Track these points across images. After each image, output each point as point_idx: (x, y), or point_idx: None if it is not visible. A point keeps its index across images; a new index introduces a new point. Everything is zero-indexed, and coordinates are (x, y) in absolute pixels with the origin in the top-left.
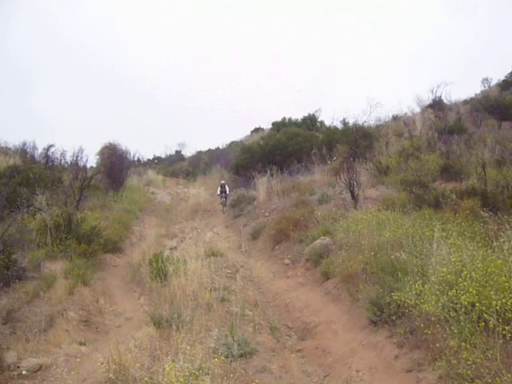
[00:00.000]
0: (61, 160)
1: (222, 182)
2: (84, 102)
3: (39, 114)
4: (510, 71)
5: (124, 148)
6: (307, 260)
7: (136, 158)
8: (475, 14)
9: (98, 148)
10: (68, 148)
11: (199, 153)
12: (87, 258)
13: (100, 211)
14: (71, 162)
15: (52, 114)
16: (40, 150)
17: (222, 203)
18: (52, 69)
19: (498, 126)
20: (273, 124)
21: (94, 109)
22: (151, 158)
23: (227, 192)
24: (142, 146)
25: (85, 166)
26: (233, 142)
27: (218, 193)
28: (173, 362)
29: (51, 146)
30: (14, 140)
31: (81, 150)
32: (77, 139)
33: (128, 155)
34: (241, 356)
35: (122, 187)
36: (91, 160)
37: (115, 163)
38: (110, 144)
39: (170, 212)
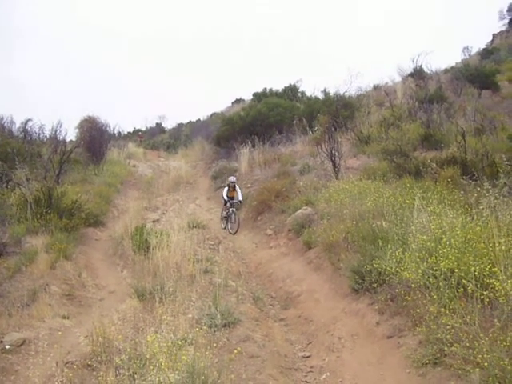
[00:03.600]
0: (39, 134)
1: (232, 178)
2: (62, 72)
3: (16, 87)
4: (490, 40)
5: (104, 121)
6: (289, 230)
7: (116, 131)
8: None
9: (77, 121)
10: (46, 122)
11: (180, 125)
12: (68, 232)
13: (80, 185)
14: (50, 136)
15: (29, 86)
16: (18, 125)
17: (226, 216)
18: (29, 39)
19: (478, 95)
20: (254, 95)
21: (72, 81)
22: (131, 130)
23: (239, 197)
24: (121, 119)
25: (64, 140)
26: (214, 114)
27: (225, 197)
28: (156, 333)
29: (29, 120)
30: None
31: (59, 124)
32: (55, 112)
33: (108, 128)
34: (224, 326)
35: (102, 160)
36: (70, 133)
37: (95, 136)
38: (90, 117)
39: (152, 185)
